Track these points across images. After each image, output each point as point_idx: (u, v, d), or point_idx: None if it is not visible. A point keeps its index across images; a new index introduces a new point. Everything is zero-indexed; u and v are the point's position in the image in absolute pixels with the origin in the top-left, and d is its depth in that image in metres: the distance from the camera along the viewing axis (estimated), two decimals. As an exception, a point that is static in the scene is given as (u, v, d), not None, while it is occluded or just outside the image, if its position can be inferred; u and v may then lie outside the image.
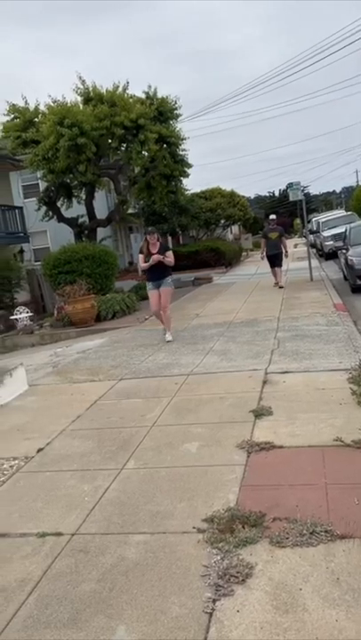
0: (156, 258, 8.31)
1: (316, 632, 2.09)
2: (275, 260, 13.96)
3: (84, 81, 15.58)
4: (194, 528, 2.91)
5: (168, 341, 8.41)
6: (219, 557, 2.62)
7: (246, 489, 3.27)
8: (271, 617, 2.20)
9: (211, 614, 2.26)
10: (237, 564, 2.54)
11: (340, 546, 2.60)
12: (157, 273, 8.54)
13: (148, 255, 8.43)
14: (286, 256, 14.25)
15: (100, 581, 2.57)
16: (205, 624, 2.21)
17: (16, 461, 4.21)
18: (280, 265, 14.06)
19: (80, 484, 3.66)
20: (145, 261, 8.46)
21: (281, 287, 13.60)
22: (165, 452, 4.00)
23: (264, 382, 5.44)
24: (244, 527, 2.83)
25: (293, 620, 2.16)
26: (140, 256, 8.65)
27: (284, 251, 13.92)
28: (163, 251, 8.52)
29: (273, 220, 14.72)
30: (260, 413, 4.50)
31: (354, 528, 2.71)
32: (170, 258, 8.49)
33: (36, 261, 20.04)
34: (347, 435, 3.82)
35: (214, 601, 2.33)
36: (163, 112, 16.26)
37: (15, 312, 13.59)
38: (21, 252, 19.08)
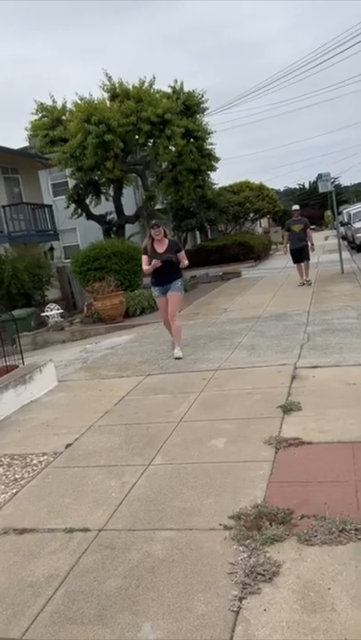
0: (165, 258, 6.77)
1: (344, 633, 2.04)
2: (299, 254, 12.90)
3: (110, 77, 15.67)
4: (220, 525, 2.88)
5: (177, 358, 6.85)
6: (245, 555, 2.58)
7: (274, 485, 3.23)
8: (299, 616, 2.15)
9: (237, 613, 2.23)
10: (264, 562, 2.50)
11: (371, 545, 2.53)
12: (165, 275, 6.91)
13: (155, 255, 6.83)
14: (313, 249, 13.15)
15: (127, 578, 2.57)
16: (232, 622, 2.18)
17: (45, 457, 4.26)
18: (307, 259, 13.06)
19: (107, 479, 3.67)
20: (149, 264, 6.84)
21: (308, 282, 12.89)
22: (192, 447, 3.98)
23: (293, 377, 5.37)
24: (271, 524, 2.79)
25: (321, 620, 2.11)
26: (144, 258, 6.99)
27: (310, 243, 12.90)
28: (173, 250, 6.87)
29: (296, 210, 13.38)
30: (288, 409, 4.44)
31: (385, 526, 2.63)
32: (184, 260, 6.94)
33: (65, 259, 20.31)
34: (378, 430, 3.73)
35: (241, 599, 2.30)
36: (189, 106, 16.24)
37: (46, 309, 13.79)
38: (51, 249, 19.37)
